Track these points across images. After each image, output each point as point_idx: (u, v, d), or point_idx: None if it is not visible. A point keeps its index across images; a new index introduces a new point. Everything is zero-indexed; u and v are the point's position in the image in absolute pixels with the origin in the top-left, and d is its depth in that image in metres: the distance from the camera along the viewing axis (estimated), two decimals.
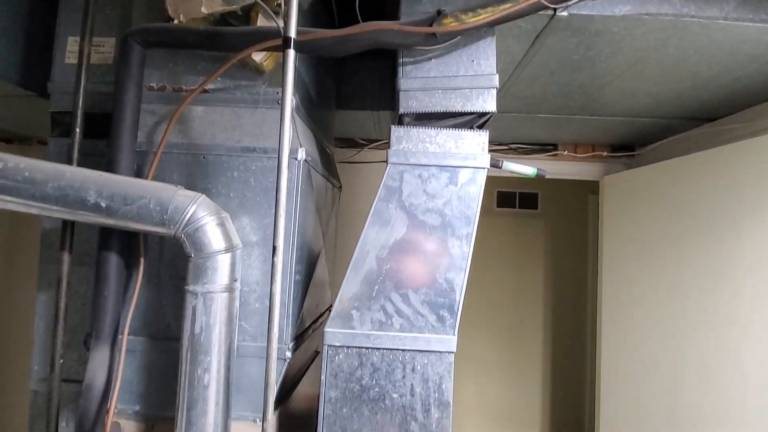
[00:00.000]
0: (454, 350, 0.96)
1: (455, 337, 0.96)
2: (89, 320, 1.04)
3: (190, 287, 0.91)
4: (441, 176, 1.00)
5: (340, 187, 1.68)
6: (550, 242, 3.15)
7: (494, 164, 1.08)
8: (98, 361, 0.96)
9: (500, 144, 2.11)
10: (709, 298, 1.51)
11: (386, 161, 1.00)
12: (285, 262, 1.02)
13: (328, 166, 1.48)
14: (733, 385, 1.40)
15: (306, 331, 1.22)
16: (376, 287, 0.97)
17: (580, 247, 3.17)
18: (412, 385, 0.95)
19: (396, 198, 0.99)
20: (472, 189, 1.00)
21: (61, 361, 0.98)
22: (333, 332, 0.96)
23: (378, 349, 0.95)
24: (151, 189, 0.93)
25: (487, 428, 3.09)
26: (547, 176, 2.26)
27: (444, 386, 0.96)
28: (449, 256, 0.98)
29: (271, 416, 0.87)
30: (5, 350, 1.99)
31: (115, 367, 0.98)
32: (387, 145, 1.04)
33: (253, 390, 1.02)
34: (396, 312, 0.97)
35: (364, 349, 0.96)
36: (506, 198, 3.15)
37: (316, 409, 1.66)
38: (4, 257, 1.99)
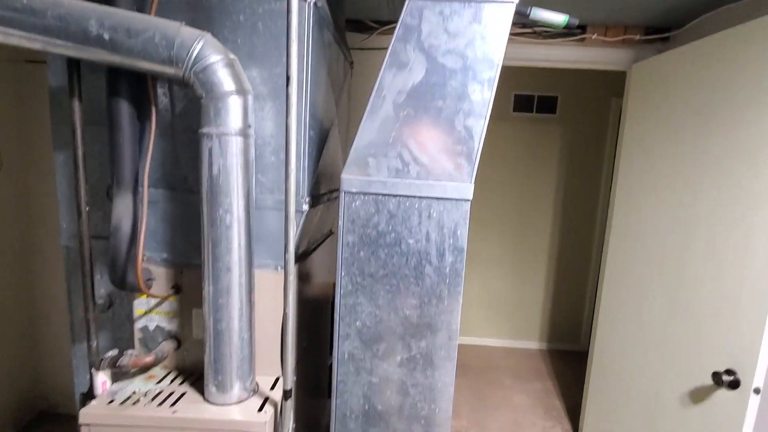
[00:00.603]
0: (470, 198, 0.96)
1: (472, 185, 0.96)
2: (109, 173, 1.05)
3: (205, 129, 0.90)
4: (464, 13, 0.92)
5: (352, 63, 1.59)
6: (567, 147, 3.07)
7: (521, 11, 0.99)
8: (122, 207, 0.99)
9: (524, 26, 1.95)
10: (730, 178, 1.48)
11: None
12: (299, 113, 1.00)
13: (340, 31, 1.38)
14: (736, 261, 1.42)
15: (321, 197, 1.23)
16: (393, 134, 0.95)
17: (597, 152, 3.09)
18: (427, 231, 0.98)
19: (414, 38, 0.92)
20: (498, 28, 0.92)
21: (87, 209, 1.01)
22: (349, 179, 0.96)
23: (394, 196, 0.96)
24: (154, 22, 0.87)
25: (491, 321, 3.31)
26: (573, 66, 2.11)
27: (459, 233, 0.98)
28: (469, 101, 0.94)
29: (292, 251, 0.90)
30: (35, 212, 2.11)
31: (139, 215, 1.01)
32: None
33: (273, 240, 1.06)
34: (413, 159, 0.96)
35: (380, 196, 0.96)
36: (523, 101, 3.00)
37: (332, 294, 1.76)
38: (16, 120, 2.01)
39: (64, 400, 2.31)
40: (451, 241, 0.98)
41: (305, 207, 1.05)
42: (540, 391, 2.79)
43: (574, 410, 2.60)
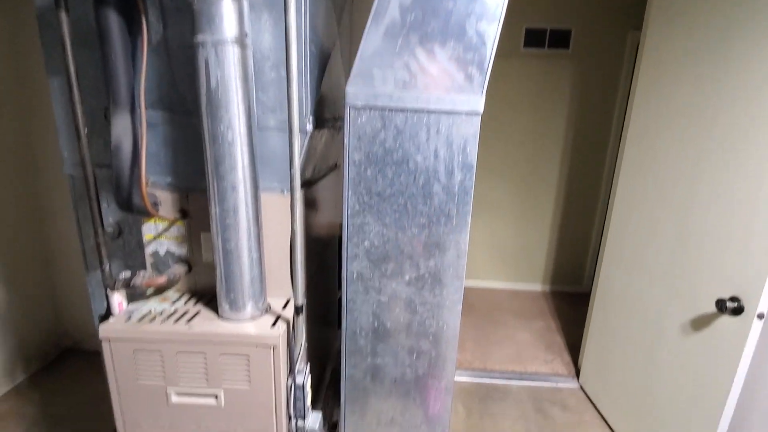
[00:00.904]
0: (481, 111, 0.92)
1: (482, 98, 0.91)
2: (105, 96, 1.02)
3: (199, 37, 0.85)
4: None
5: None
6: (579, 85, 2.94)
7: None
8: (121, 126, 0.97)
9: None
10: (748, 110, 1.41)
11: None
12: (298, 23, 0.93)
13: None
14: (749, 190, 1.38)
15: (325, 121, 1.19)
16: (400, 41, 0.89)
17: (610, 90, 2.96)
18: (436, 147, 0.95)
19: None
20: None
21: (86, 130, 0.98)
22: (354, 92, 0.91)
23: (401, 110, 0.92)
24: None
25: (496, 265, 3.36)
26: None
27: (468, 149, 0.95)
28: (481, 2, 0.87)
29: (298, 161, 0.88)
30: (42, 139, 2.12)
31: (138, 135, 0.98)
32: None
33: (277, 163, 1.04)
34: (420, 70, 0.90)
35: (387, 111, 0.92)
36: (535, 36, 2.83)
37: (338, 233, 1.76)
38: (10, 52, 1.96)
39: (87, 338, 2.43)
40: (461, 158, 0.95)
41: (309, 127, 1.02)
42: (542, 329, 2.88)
43: (574, 345, 2.70)
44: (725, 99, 1.52)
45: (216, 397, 0.99)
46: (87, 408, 2.02)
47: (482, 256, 3.31)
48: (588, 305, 2.37)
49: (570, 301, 3.24)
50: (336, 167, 1.60)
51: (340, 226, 1.07)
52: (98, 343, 1.03)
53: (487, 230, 3.24)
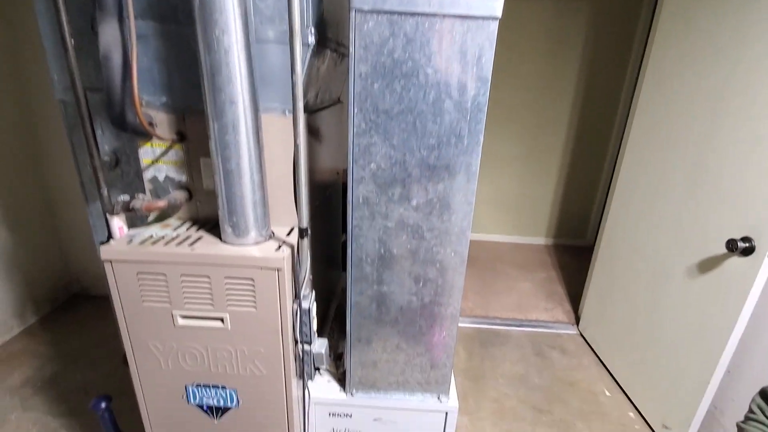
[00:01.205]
0: (499, 16, 0.84)
1: (501, 0, 0.83)
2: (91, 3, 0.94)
3: None
4: None
5: None
6: (594, 31, 2.78)
7: None
8: (109, 35, 0.90)
9: None
10: None
11: None
12: None
13: None
14: (765, 137, 1.32)
15: (327, 41, 1.11)
16: None
17: (627, 37, 2.81)
18: (448, 58, 0.88)
19: None
20: None
21: (72, 41, 0.91)
22: None
23: (412, 14, 0.85)
24: None
25: (500, 218, 3.34)
26: None
27: (483, 60, 0.88)
28: None
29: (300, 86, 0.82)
30: (34, 63, 2.06)
31: (128, 45, 0.91)
32: None
33: (277, 80, 0.98)
34: None
35: (396, 15, 0.85)
36: None
37: (341, 181, 1.71)
38: None
39: (95, 283, 2.46)
40: (475, 71, 0.89)
41: (311, 39, 0.95)
42: (544, 280, 2.90)
43: (575, 295, 2.72)
44: (748, 41, 1.43)
45: (222, 320, 0.99)
46: (97, 348, 2.07)
47: (486, 208, 3.28)
48: (590, 258, 2.36)
49: (573, 254, 3.25)
50: (339, 102, 1.53)
51: (344, 171, 1.02)
52: (106, 286, 1.01)
53: (491, 183, 3.19)
